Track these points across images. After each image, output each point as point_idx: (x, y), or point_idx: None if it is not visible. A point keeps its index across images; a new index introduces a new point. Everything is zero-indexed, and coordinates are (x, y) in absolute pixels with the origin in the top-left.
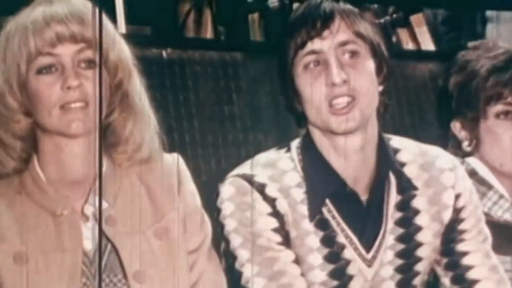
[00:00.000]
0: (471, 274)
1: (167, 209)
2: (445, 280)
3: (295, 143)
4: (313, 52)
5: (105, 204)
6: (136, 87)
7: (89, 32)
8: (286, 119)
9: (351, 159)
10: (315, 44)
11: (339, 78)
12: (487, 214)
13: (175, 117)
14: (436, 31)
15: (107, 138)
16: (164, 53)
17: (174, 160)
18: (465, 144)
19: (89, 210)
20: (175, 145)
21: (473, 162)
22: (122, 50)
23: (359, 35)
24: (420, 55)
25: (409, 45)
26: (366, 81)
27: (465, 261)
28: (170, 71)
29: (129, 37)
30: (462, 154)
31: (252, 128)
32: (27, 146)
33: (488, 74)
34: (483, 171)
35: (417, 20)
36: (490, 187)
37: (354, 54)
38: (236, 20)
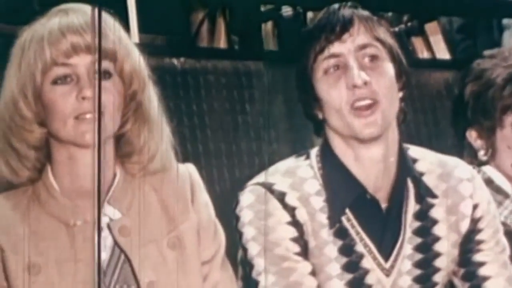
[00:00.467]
0: (487, 285)
1: (180, 219)
2: None
3: (314, 151)
4: (333, 55)
5: (118, 214)
6: (150, 98)
7: (104, 42)
8: (300, 128)
9: (373, 168)
10: (335, 48)
11: (360, 79)
12: (503, 224)
13: (188, 127)
14: (451, 40)
15: (121, 148)
16: (177, 63)
17: (188, 170)
18: (481, 153)
19: (103, 220)
20: (188, 155)
21: (489, 170)
22: (137, 60)
23: (378, 39)
24: (435, 63)
25: (424, 54)
26: (387, 84)
27: (482, 271)
28: (184, 80)
29: (143, 47)
30: (477, 163)
31: (266, 137)
32: (41, 156)
33: (504, 83)
34: (500, 180)
35: (432, 28)
36: (506, 195)
37: (374, 57)
38: (250, 29)
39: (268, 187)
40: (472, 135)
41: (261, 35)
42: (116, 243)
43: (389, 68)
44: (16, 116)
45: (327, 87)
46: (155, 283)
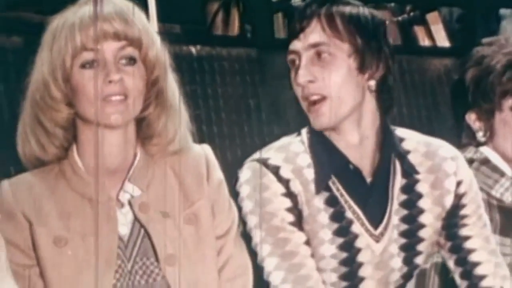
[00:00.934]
0: (472, 257)
1: (196, 196)
2: (450, 262)
3: (305, 129)
4: (292, 51)
5: (138, 192)
6: (171, 84)
7: (131, 30)
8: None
9: (351, 150)
10: (294, 45)
11: (303, 79)
12: (499, 200)
13: (204, 110)
14: (451, 29)
15: (142, 131)
16: (193, 50)
17: (203, 150)
18: (479, 134)
19: (124, 197)
20: (204, 136)
21: (486, 151)
22: (159, 48)
23: (336, 36)
24: (435, 51)
25: (425, 42)
26: (337, 80)
27: (467, 245)
28: (199, 66)
29: (162, 35)
30: (475, 144)
31: (276, 120)
32: (68, 135)
33: (504, 69)
34: (496, 159)
35: (433, 18)
36: (502, 174)
37: (324, 55)
38: (262, 19)
39: (263, 162)
40: (471, 118)
41: (272, 24)
42: (136, 218)
43: (343, 64)
44: (46, 96)
45: (292, 78)
46: (172, 256)
